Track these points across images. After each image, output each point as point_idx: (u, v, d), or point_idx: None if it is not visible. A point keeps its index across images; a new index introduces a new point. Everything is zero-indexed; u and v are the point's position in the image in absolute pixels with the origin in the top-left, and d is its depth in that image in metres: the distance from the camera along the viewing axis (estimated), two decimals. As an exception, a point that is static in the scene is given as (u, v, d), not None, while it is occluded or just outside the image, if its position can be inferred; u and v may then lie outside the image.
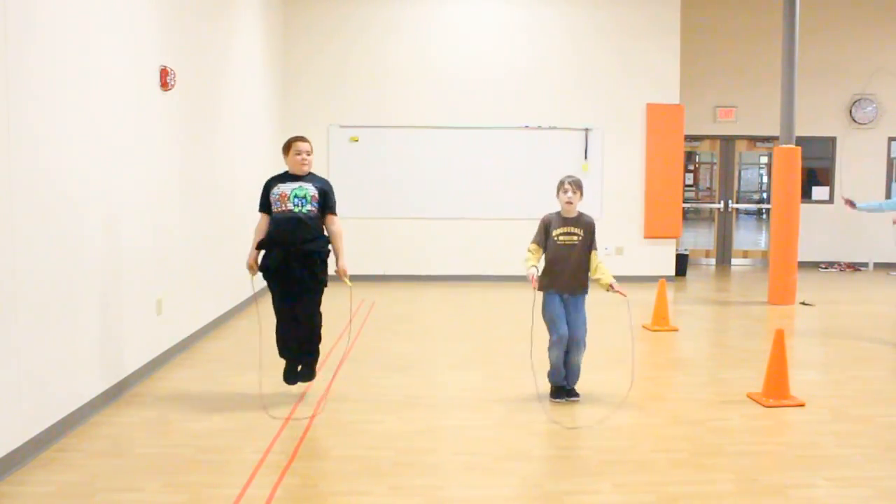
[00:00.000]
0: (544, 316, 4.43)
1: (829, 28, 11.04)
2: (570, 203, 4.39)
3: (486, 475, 3.31)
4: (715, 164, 11.62)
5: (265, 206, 4.22)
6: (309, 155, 4.23)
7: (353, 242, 9.25)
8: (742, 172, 11.67)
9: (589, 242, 4.45)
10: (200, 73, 5.88)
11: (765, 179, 11.85)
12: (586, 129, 9.49)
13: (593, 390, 4.61)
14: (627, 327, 5.90)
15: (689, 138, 11.10)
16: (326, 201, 4.21)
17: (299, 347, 4.24)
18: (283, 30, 9.18)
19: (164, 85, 5.03)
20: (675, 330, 6.49)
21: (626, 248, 9.67)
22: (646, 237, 9.65)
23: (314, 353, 4.31)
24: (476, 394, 4.56)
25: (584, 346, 4.40)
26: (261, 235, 4.22)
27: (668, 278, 9.38)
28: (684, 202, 10.90)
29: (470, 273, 9.53)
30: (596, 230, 4.48)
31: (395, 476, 3.29)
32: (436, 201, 9.44)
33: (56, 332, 3.65)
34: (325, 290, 4.24)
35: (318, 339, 4.29)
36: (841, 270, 11.06)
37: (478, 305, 7.84)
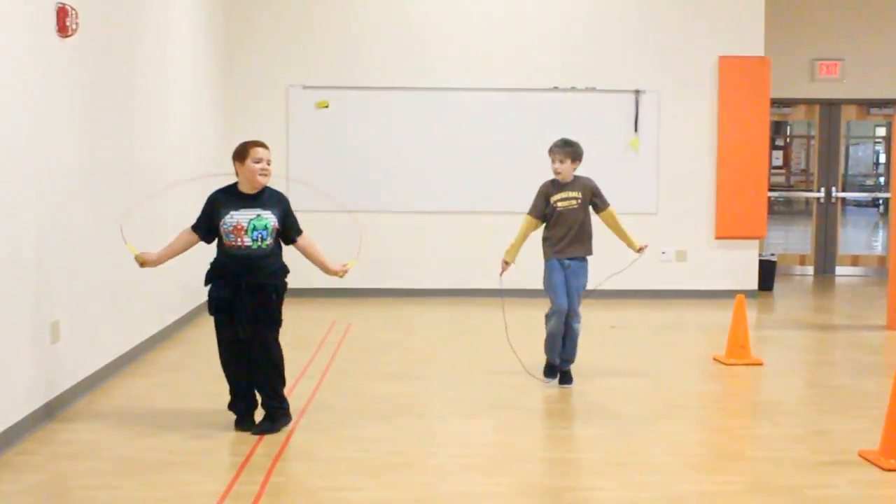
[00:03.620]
0: (544, 283, 5.68)
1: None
2: (559, 173, 5.57)
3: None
4: (813, 137, 11.62)
5: (204, 228, 4.64)
6: (269, 164, 4.59)
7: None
8: (850, 149, 11.67)
9: (589, 203, 5.62)
10: (111, 17, 5.89)
11: (882, 159, 11.85)
12: (637, 92, 9.48)
13: (650, 450, 4.60)
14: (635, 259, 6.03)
15: (778, 103, 11.10)
16: (289, 229, 4.68)
17: (254, 386, 4.73)
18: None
19: (63, 29, 5.02)
20: (759, 364, 6.47)
21: (690, 252, 9.65)
22: (718, 238, 9.63)
23: (281, 401, 4.74)
24: (486, 450, 4.57)
25: (579, 316, 5.67)
26: (181, 251, 4.71)
27: (749, 293, 9.36)
28: (770, 190, 10.88)
29: (474, 286, 9.51)
30: (598, 187, 5.67)
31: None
32: (431, 189, 9.44)
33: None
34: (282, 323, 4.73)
35: (281, 380, 4.73)
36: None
37: (485, 330, 7.83)
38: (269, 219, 4.57)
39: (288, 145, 9.31)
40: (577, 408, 5.36)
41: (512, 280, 9.44)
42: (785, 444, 4.72)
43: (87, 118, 5.47)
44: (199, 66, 8.20)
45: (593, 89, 9.47)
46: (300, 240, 4.76)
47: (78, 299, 5.33)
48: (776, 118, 11.40)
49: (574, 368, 5.85)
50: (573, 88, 9.47)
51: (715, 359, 6.62)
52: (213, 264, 4.67)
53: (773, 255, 10.54)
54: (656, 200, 9.51)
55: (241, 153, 4.60)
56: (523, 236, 5.71)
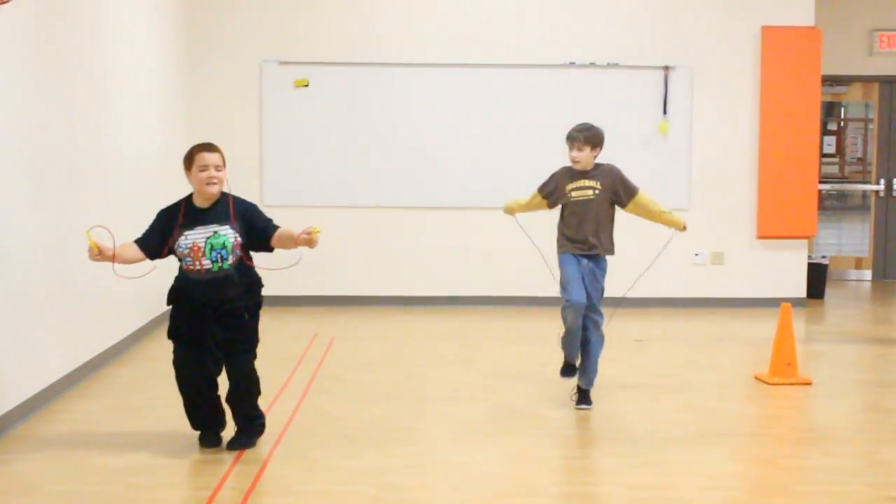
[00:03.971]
0: (560, 277, 5.73)
1: None
2: (578, 161, 5.64)
3: None
4: (871, 121, 11.62)
5: (152, 246, 4.66)
6: (219, 170, 4.60)
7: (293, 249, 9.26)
8: (914, 135, 11.68)
9: (611, 195, 5.65)
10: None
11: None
12: (666, 68, 9.49)
13: (680, 483, 4.60)
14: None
15: (830, 81, 11.11)
16: (260, 237, 4.68)
17: (222, 408, 4.89)
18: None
19: (0, -5, 5.01)
20: (808, 383, 6.48)
21: (728, 254, 9.66)
22: (760, 238, 9.65)
23: (259, 419, 4.91)
24: (491, 484, 4.56)
25: (602, 316, 5.71)
26: (132, 259, 4.67)
27: (797, 302, 9.36)
28: (821, 182, 10.89)
29: (476, 294, 9.52)
30: (623, 175, 5.69)
31: None
32: (426, 181, 9.48)
33: None
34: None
35: (256, 403, 4.90)
36: None
37: (489, 344, 7.84)
38: (228, 235, 4.61)
39: (261, 130, 9.32)
40: (596, 433, 5.36)
41: (521, 286, 9.49)
42: (838, 476, 4.70)
43: (25, 99, 5.45)
44: (158, 38, 8.21)
45: (616, 65, 9.48)
46: (274, 240, 4.73)
47: (11, 309, 5.30)
48: (828, 98, 11.41)
49: (593, 388, 5.85)
50: (592, 64, 9.48)
51: (756, 377, 6.61)
52: (175, 283, 4.76)
53: (824, 257, 10.55)
54: (688, 194, 9.52)
55: (187, 160, 4.65)
56: (527, 206, 5.99)
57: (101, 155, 6.67)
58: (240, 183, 9.15)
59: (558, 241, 5.83)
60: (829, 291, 10.52)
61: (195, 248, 4.56)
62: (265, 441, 5.05)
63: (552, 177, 5.84)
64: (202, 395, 4.80)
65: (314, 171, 9.37)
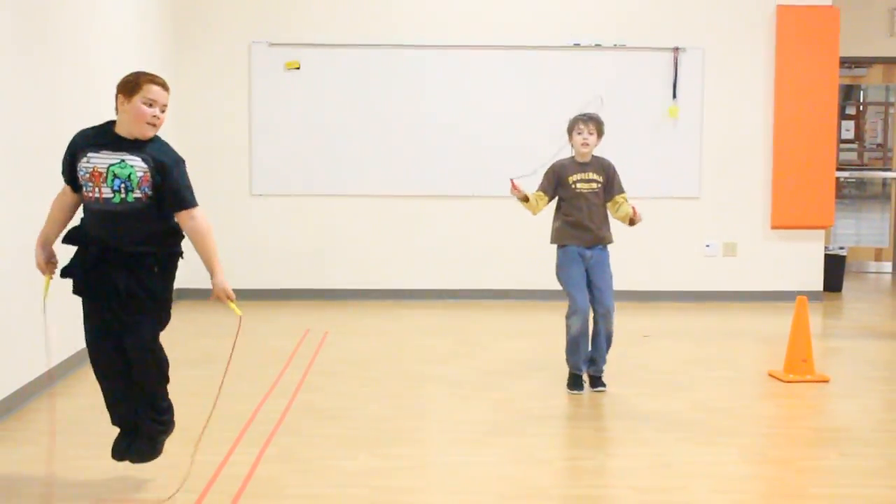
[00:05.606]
0: (560, 277, 5.98)
1: None
2: (587, 145, 5.86)
3: None
4: (892, 104, 11.62)
5: (70, 177, 4.16)
6: (164, 112, 4.11)
7: (287, 237, 9.25)
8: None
9: (610, 188, 5.93)
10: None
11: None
12: (676, 49, 9.48)
13: (690, 485, 4.60)
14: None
15: (849, 63, 11.10)
16: (165, 190, 4.07)
17: (134, 406, 4.29)
18: None
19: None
20: (825, 381, 6.49)
21: (741, 245, 9.66)
22: (774, 228, 9.65)
23: (162, 414, 4.32)
24: (492, 486, 4.56)
25: (613, 313, 5.91)
26: (63, 218, 4.23)
27: (813, 295, 9.36)
28: (839, 169, 10.88)
29: (476, 287, 9.52)
30: (617, 172, 5.96)
31: None
32: (423, 168, 9.47)
33: None
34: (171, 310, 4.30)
35: (164, 390, 4.32)
36: None
37: (489, 339, 7.85)
38: (136, 167, 4.02)
39: (250, 114, 9.30)
40: (602, 433, 5.36)
41: (521, 279, 9.52)
42: (856, 479, 4.70)
43: (6, 82, 5.44)
44: (143, 18, 8.18)
45: (623, 46, 9.47)
46: (185, 214, 4.12)
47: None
48: (847, 81, 11.39)
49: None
50: (598, 45, 9.46)
51: (771, 374, 6.62)
52: (80, 224, 4.23)
53: (842, 248, 10.55)
54: (699, 182, 9.52)
55: (131, 86, 4.04)
56: (537, 209, 6.01)
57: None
58: (228, 170, 9.28)
59: (558, 232, 6.03)
60: (847, 284, 10.53)
61: (95, 174, 4.03)
62: (255, 441, 5.05)
63: (549, 174, 6.01)
64: (113, 370, 4.23)
65: (304, 156, 9.35)
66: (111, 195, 4.02)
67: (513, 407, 5.81)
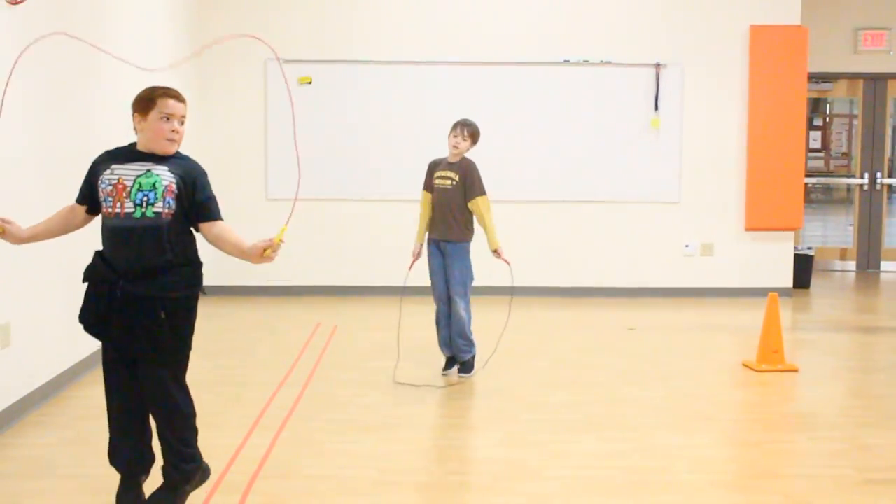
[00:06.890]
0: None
1: None
2: (457, 147, 6.01)
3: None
4: (856, 116, 11.62)
5: (86, 196, 3.73)
6: (182, 125, 3.70)
7: (299, 238, 9.27)
8: (898, 130, 11.68)
9: (464, 187, 5.99)
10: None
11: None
12: (657, 65, 9.49)
13: (671, 467, 4.62)
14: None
15: (817, 78, 11.11)
16: (191, 201, 3.66)
17: (141, 450, 3.75)
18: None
19: (14, -4, 4.98)
20: (794, 370, 6.50)
21: (717, 245, 9.68)
22: (748, 230, 9.65)
23: (186, 462, 3.72)
24: (489, 467, 4.58)
25: (461, 300, 6.14)
26: (55, 227, 3.82)
27: (783, 292, 9.39)
28: (807, 176, 10.91)
29: (476, 284, 9.50)
30: (476, 171, 6.00)
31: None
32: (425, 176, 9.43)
33: None
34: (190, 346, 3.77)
35: (188, 436, 3.74)
36: None
37: (488, 332, 7.84)
38: (162, 175, 3.60)
39: (266, 126, 9.32)
40: (590, 420, 5.37)
41: (523, 276, 9.52)
42: (824, 460, 4.73)
43: (42, 99, 5.45)
44: (166, 37, 8.19)
45: (609, 63, 9.48)
46: (207, 227, 3.72)
47: (30, 301, 5.31)
48: (814, 95, 11.40)
49: (586, 377, 5.85)
50: (586, 62, 9.47)
51: (744, 365, 6.63)
52: (95, 254, 3.73)
53: (810, 248, 10.56)
54: (679, 187, 9.52)
55: (146, 103, 3.66)
56: (424, 216, 6.27)
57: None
58: (246, 176, 9.29)
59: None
60: (815, 282, 10.54)
61: (119, 186, 3.57)
62: (270, 425, 5.07)
63: (427, 169, 6.28)
64: (125, 413, 3.71)
65: (318, 165, 9.35)
66: (132, 209, 3.55)
67: (506, 394, 5.82)
